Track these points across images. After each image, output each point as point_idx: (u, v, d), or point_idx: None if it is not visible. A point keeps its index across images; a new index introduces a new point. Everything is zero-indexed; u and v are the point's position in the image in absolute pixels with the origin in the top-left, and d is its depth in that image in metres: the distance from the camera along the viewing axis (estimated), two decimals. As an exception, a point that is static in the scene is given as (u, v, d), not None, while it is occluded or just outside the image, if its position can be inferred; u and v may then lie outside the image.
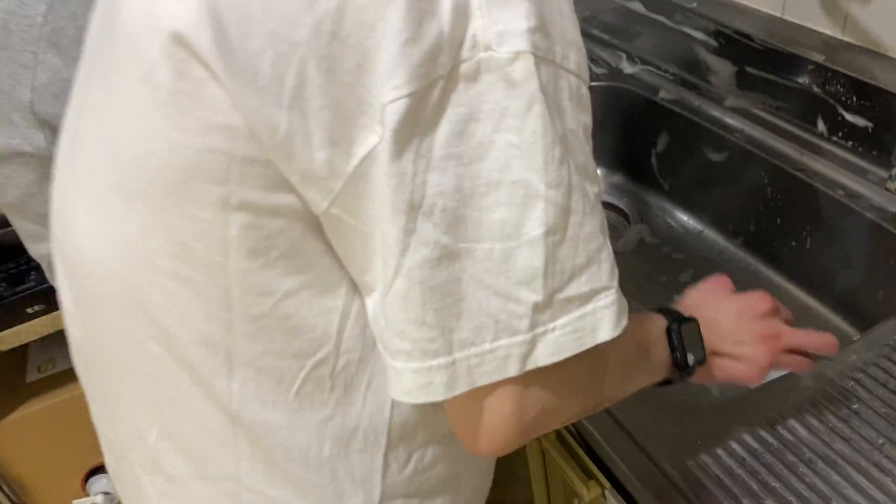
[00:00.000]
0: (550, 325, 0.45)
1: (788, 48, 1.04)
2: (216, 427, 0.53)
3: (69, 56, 0.71)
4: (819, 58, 1.00)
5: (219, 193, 0.44)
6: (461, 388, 0.45)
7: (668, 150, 1.26)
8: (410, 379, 0.45)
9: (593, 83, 1.33)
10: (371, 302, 0.47)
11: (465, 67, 0.40)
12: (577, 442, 0.80)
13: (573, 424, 0.79)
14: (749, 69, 1.12)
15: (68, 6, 0.70)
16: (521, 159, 0.41)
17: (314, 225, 0.46)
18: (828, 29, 1.03)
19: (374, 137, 0.40)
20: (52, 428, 1.17)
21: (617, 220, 1.32)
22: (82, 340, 0.60)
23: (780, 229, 1.09)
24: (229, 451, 0.53)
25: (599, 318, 0.46)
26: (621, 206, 1.33)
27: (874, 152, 0.98)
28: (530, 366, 0.45)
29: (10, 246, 1.06)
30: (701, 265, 1.18)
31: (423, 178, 0.41)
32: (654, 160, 1.29)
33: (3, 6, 0.70)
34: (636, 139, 1.31)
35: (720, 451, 0.70)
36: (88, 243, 0.52)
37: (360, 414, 0.53)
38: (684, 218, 1.26)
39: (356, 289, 0.49)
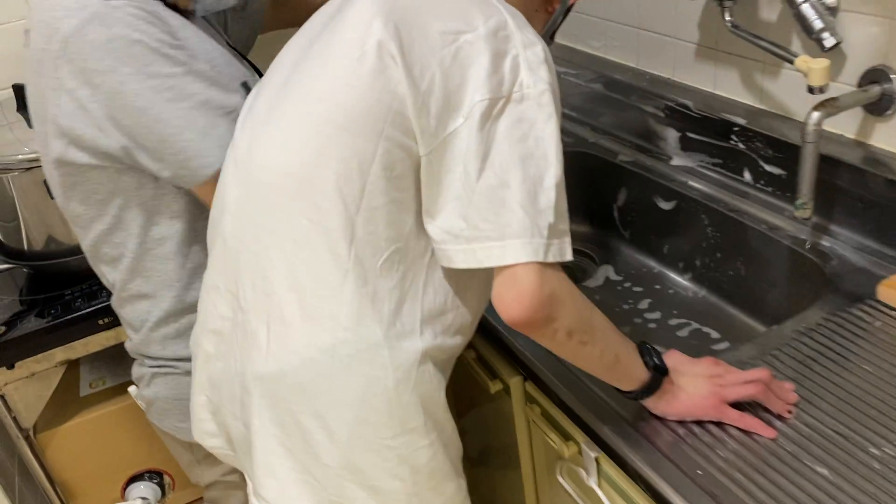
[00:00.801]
0: (555, 240, 0.76)
1: (719, 115, 1.31)
2: (333, 281, 0.81)
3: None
4: (742, 122, 1.27)
5: (380, 127, 0.77)
6: (510, 260, 0.74)
7: (627, 202, 1.51)
8: (485, 253, 0.76)
9: (564, 149, 1.58)
10: (442, 218, 0.79)
11: (516, 95, 0.77)
12: (557, 404, 1.00)
13: (555, 393, 0.99)
14: (689, 134, 1.39)
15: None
16: (544, 143, 0.77)
17: (417, 163, 0.79)
18: (748, 100, 1.30)
19: (460, 121, 0.76)
20: (99, 438, 1.33)
21: (586, 262, 1.55)
22: (235, 223, 0.88)
23: (720, 262, 1.33)
24: (335, 299, 0.81)
25: (567, 247, 0.78)
26: (589, 251, 1.57)
27: (788, 194, 1.23)
28: (549, 258, 0.75)
29: (84, 270, 1.26)
30: (657, 296, 1.40)
31: (489, 145, 0.76)
32: (615, 213, 1.54)
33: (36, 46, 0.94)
34: (600, 195, 1.56)
35: (670, 402, 0.90)
36: (277, 154, 0.83)
37: (409, 291, 0.84)
38: (642, 258, 1.49)
39: (419, 220, 0.82)
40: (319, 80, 0.81)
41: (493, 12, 0.80)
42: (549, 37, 1.02)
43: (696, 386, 0.90)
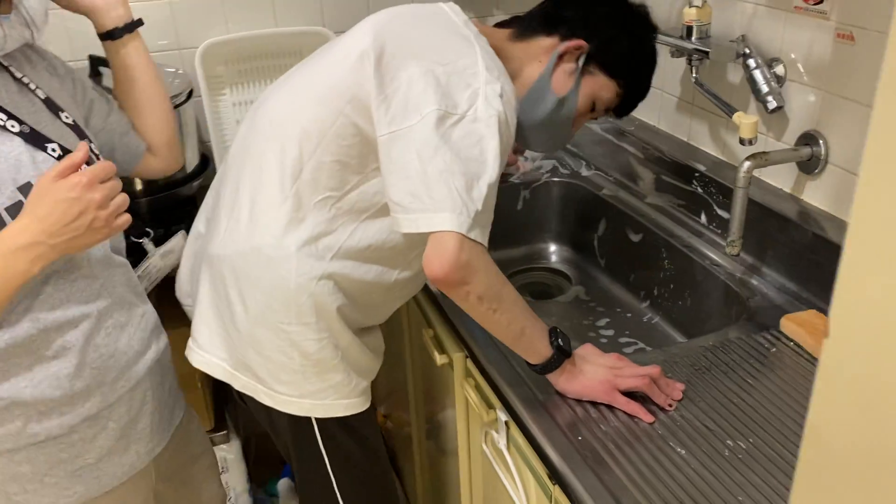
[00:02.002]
0: (477, 226, 0.95)
1: (686, 162, 1.47)
2: (275, 202, 1.07)
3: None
4: (703, 169, 1.42)
5: (340, 106, 1.04)
6: (438, 227, 0.94)
7: (605, 233, 1.67)
8: (424, 221, 0.95)
9: (559, 178, 1.76)
10: (393, 192, 0.98)
11: (470, 115, 0.99)
12: (486, 378, 1.16)
13: (484, 373, 1.16)
14: (663, 176, 1.55)
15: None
16: (486, 153, 0.98)
17: (368, 140, 1.04)
18: (713, 151, 1.46)
19: (416, 119, 0.97)
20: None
21: (563, 281, 1.71)
22: (236, 147, 1.17)
23: (672, 292, 1.48)
24: (273, 214, 1.08)
25: (486, 234, 0.98)
26: (566, 271, 1.73)
27: (732, 236, 1.38)
28: (471, 235, 0.94)
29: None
30: (615, 317, 1.55)
31: (444, 143, 0.96)
32: (595, 241, 1.70)
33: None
34: (584, 224, 1.72)
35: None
36: (274, 106, 1.13)
37: (335, 229, 1.09)
38: (611, 284, 1.65)
39: (365, 185, 1.08)
40: (319, 65, 1.12)
41: (467, 53, 1.04)
42: (568, 131, 1.23)
43: (595, 372, 1.05)
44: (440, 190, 0.94)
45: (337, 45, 1.12)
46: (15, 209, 0.93)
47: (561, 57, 1.16)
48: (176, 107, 1.51)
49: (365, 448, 1.24)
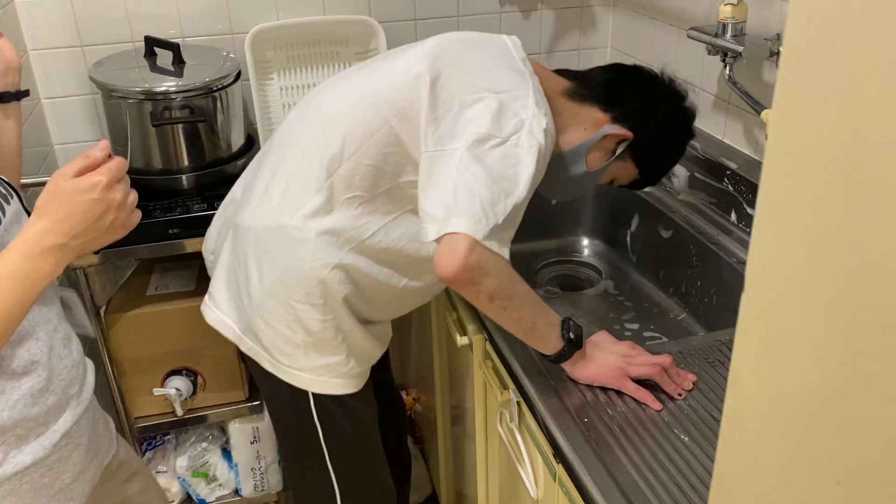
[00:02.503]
0: (495, 238, 0.98)
1: (718, 160, 1.47)
2: (308, 189, 1.14)
3: None
4: (734, 166, 1.43)
5: (388, 116, 1.11)
6: (453, 228, 0.97)
7: (638, 229, 1.68)
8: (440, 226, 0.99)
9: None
10: (427, 203, 1.04)
11: (512, 141, 1.04)
12: (502, 361, 1.19)
13: (501, 355, 1.19)
14: (696, 174, 1.55)
15: None
16: (520, 176, 1.02)
17: (406, 154, 1.11)
18: (747, 150, 1.46)
19: (460, 144, 1.03)
20: (154, 331, 1.61)
21: (593, 275, 1.73)
22: (284, 129, 1.24)
23: (699, 289, 1.48)
24: (303, 200, 1.14)
25: (505, 249, 1.01)
26: (597, 265, 1.74)
27: (760, 235, 1.37)
28: (485, 242, 0.96)
29: (165, 189, 1.56)
30: (642, 311, 1.56)
31: (481, 162, 1.01)
32: (628, 237, 1.71)
33: None
34: (618, 219, 1.73)
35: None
36: (327, 100, 1.20)
37: (359, 226, 1.15)
38: (641, 279, 1.66)
39: (395, 192, 1.15)
40: (378, 72, 1.19)
41: (521, 85, 1.11)
42: (595, 180, 1.28)
43: (606, 358, 1.08)
44: (464, 199, 0.98)
45: (399, 57, 1.19)
46: None
47: (605, 136, 1.21)
48: (223, 88, 1.58)
49: (361, 427, 1.29)
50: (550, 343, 1.06)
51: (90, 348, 1.50)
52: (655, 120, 1.22)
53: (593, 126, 1.21)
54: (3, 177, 1.01)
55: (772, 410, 0.35)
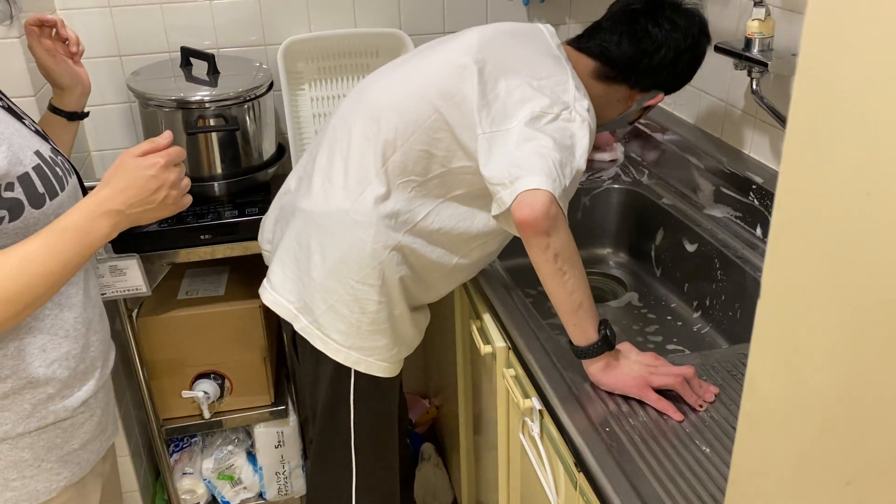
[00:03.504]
0: (564, 198, 1.06)
1: (744, 174, 1.47)
2: (367, 174, 1.23)
3: None
4: (760, 181, 1.43)
5: (438, 104, 1.19)
6: (537, 184, 1.04)
7: (663, 242, 1.68)
8: (522, 183, 1.05)
9: (620, 186, 1.79)
10: (490, 172, 1.11)
11: (564, 116, 1.14)
12: (525, 370, 1.21)
13: (523, 363, 1.20)
14: (722, 188, 1.56)
15: None
16: (577, 146, 1.12)
17: (456, 138, 1.20)
18: (773, 164, 1.46)
19: (514, 123, 1.12)
20: (185, 335, 1.64)
21: (618, 287, 1.74)
22: (338, 118, 1.31)
23: (723, 303, 1.48)
24: (364, 185, 1.23)
25: (566, 207, 1.08)
26: (622, 277, 1.75)
27: (785, 250, 1.38)
28: (559, 198, 1.04)
29: (199, 195, 1.59)
30: (665, 324, 1.57)
31: (542, 132, 1.09)
32: (652, 251, 1.72)
33: None
34: (642, 232, 1.74)
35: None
36: (380, 90, 1.28)
37: (413, 208, 1.25)
38: (665, 292, 1.66)
39: (447, 175, 1.24)
40: (427, 62, 1.27)
41: (559, 71, 1.20)
42: (626, 123, 1.39)
43: (630, 367, 1.08)
44: (537, 161, 1.05)
45: (444, 48, 1.27)
46: (37, 171, 0.98)
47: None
48: (256, 98, 1.61)
49: (388, 413, 1.39)
50: (587, 332, 1.08)
51: (122, 351, 1.53)
52: (681, 69, 1.32)
53: (626, 100, 1.32)
54: (67, 158, 1.13)
55: (786, 412, 0.36)
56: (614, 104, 1.33)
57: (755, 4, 1.33)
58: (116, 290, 1.43)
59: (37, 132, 1.06)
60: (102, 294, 1.35)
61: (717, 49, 1.43)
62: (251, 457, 1.90)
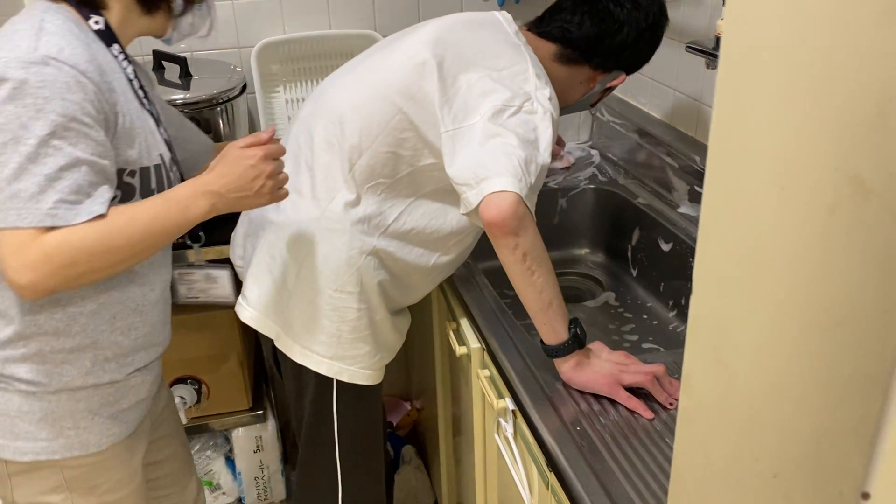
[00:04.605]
0: (532, 196, 1.06)
1: (718, 172, 1.48)
2: (334, 182, 1.22)
3: None
4: (732, 180, 1.43)
5: (400, 104, 1.17)
6: (502, 186, 1.04)
7: (639, 242, 1.69)
8: (488, 184, 1.04)
9: (596, 186, 1.79)
10: (455, 172, 1.11)
11: (526, 108, 1.12)
12: (499, 370, 1.21)
13: (497, 364, 1.20)
14: (696, 187, 1.56)
15: None
16: (540, 139, 1.10)
17: (423, 137, 1.18)
18: (745, 163, 1.47)
19: (476, 119, 1.10)
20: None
21: (594, 286, 1.74)
22: (300, 126, 1.30)
23: (698, 301, 1.49)
24: (333, 192, 1.21)
25: (533, 204, 1.08)
26: (599, 277, 1.75)
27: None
28: (525, 199, 1.04)
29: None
30: (641, 324, 1.57)
31: (505, 128, 1.08)
32: (629, 251, 1.72)
33: None
34: (619, 232, 1.74)
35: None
36: (339, 94, 1.26)
37: (384, 211, 1.23)
38: (641, 292, 1.67)
39: (415, 175, 1.22)
40: (383, 62, 1.24)
41: (518, 60, 1.18)
42: (588, 105, 1.37)
43: (601, 366, 1.09)
44: (502, 161, 1.05)
45: (401, 45, 1.24)
46: (156, 169, 1.10)
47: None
48: (229, 100, 1.61)
49: (371, 422, 1.37)
50: (558, 331, 1.08)
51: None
52: (642, 48, 1.32)
53: (588, 81, 1.32)
54: (181, 171, 1.24)
55: (718, 408, 0.36)
56: (576, 87, 1.32)
57: (725, 4, 1.33)
58: (208, 297, 1.53)
59: (166, 141, 1.16)
60: (195, 298, 1.52)
61: (689, 48, 1.44)
62: (230, 462, 1.89)
